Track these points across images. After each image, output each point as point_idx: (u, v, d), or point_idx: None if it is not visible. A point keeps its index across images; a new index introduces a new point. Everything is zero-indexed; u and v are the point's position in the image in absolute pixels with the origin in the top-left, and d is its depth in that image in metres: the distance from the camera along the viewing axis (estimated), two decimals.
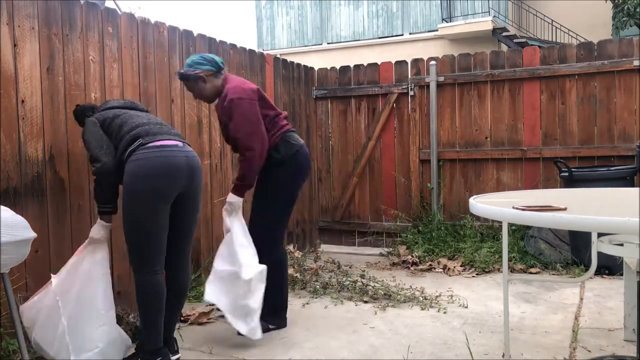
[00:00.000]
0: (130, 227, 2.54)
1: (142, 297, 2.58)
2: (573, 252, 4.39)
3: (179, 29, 3.91)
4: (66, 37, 3.04)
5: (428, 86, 5.30)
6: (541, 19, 13.68)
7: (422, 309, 3.51)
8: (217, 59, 3.07)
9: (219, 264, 2.98)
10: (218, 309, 3.15)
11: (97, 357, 2.51)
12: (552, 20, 13.38)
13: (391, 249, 5.26)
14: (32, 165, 2.83)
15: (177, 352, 2.79)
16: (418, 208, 5.38)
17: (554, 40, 13.08)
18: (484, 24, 12.08)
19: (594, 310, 3.40)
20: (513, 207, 2.13)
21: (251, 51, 4.74)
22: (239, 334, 2.98)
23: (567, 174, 4.31)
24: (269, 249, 3.13)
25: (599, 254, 2.58)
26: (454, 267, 4.50)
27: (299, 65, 5.51)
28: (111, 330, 2.59)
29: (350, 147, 5.72)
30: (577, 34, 12.87)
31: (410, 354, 2.79)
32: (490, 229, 4.99)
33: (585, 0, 12.91)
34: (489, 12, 12.41)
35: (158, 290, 2.59)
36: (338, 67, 5.75)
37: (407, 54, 10.55)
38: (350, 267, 4.71)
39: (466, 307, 3.55)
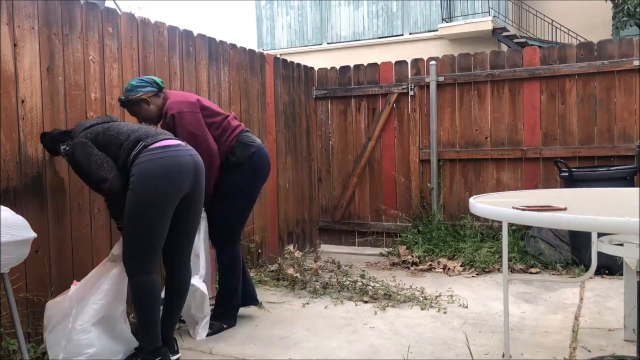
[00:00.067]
0: (134, 228, 2.53)
1: (140, 298, 2.58)
2: (573, 252, 4.39)
3: (179, 29, 3.91)
4: (66, 37, 3.04)
5: (428, 86, 5.30)
6: (541, 19, 13.68)
7: (422, 309, 3.51)
8: (157, 79, 3.07)
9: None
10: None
11: None
12: (552, 20, 13.38)
13: (391, 249, 5.26)
14: (32, 165, 2.83)
15: (177, 352, 2.79)
16: (418, 208, 5.38)
17: (554, 40, 13.08)
18: (484, 24, 12.08)
19: (594, 310, 3.40)
20: (513, 207, 2.13)
21: (251, 51, 4.74)
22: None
23: (567, 174, 4.31)
24: (229, 249, 3.23)
25: (599, 254, 2.57)
26: (454, 267, 4.50)
27: (299, 65, 5.52)
28: (101, 338, 2.61)
29: (350, 147, 5.72)
30: (577, 34, 12.87)
31: (410, 354, 2.79)
32: (490, 229, 4.99)
33: (585, 0, 12.91)
34: (489, 12, 12.41)
35: (155, 290, 2.60)
36: (338, 67, 5.75)
37: (407, 54, 10.54)
38: (350, 267, 4.72)
39: (466, 307, 3.55)
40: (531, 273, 4.34)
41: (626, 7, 10.42)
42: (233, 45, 4.50)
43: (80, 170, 2.63)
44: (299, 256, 4.74)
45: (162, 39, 3.74)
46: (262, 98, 4.86)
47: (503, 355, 2.68)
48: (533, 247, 4.56)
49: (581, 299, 3.64)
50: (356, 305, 3.66)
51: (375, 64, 5.62)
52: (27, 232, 2.17)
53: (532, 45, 10.32)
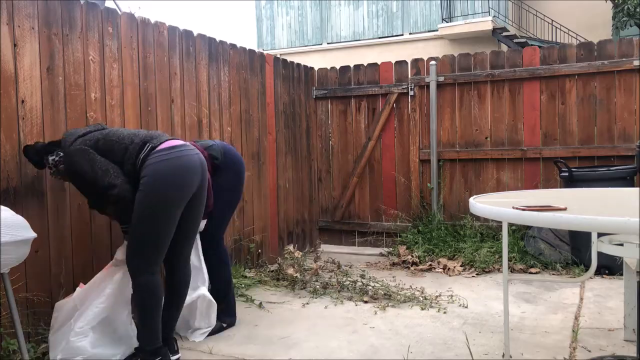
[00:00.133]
0: (144, 228, 2.52)
1: (142, 298, 2.58)
2: (573, 252, 4.39)
3: (179, 29, 3.91)
4: (66, 37, 3.04)
5: (428, 86, 5.29)
6: (541, 19, 13.68)
7: (422, 309, 3.51)
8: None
9: None
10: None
11: None
12: (552, 20, 13.37)
13: (391, 249, 5.26)
14: (32, 165, 2.82)
15: (177, 352, 2.79)
16: (418, 208, 5.38)
17: (554, 40, 13.08)
18: (484, 24, 12.08)
19: (594, 310, 3.40)
20: (513, 207, 2.13)
21: (251, 51, 4.74)
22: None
23: (567, 174, 4.31)
24: (216, 247, 3.28)
25: (599, 254, 2.57)
26: (454, 267, 4.50)
27: (298, 65, 5.52)
28: (98, 342, 2.61)
29: (350, 147, 5.72)
30: (577, 34, 12.86)
31: (410, 354, 2.79)
32: (490, 229, 4.99)
33: (585, 0, 12.90)
34: (489, 12, 12.41)
35: (158, 290, 2.60)
36: (338, 67, 5.75)
37: (407, 54, 10.55)
38: (350, 267, 4.71)
39: (466, 307, 3.55)
40: (531, 273, 4.34)
41: (626, 7, 10.42)
42: (233, 45, 4.50)
43: (80, 179, 2.56)
44: (299, 256, 4.74)
45: (162, 39, 3.74)
46: (262, 98, 4.86)
47: (503, 355, 2.68)
48: (533, 247, 4.56)
49: (581, 299, 3.64)
50: (356, 305, 3.66)
51: (375, 64, 5.62)
52: (27, 232, 2.17)
53: (532, 45, 10.33)
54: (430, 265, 4.64)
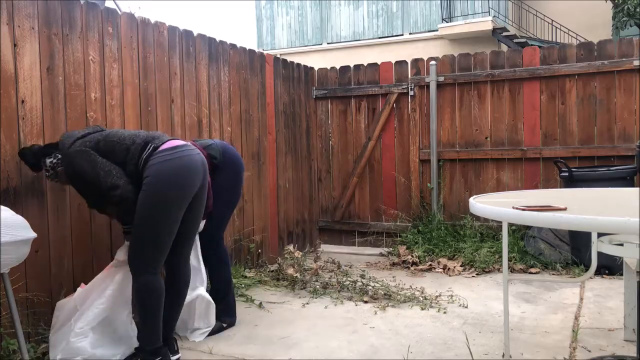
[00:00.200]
0: (146, 228, 2.52)
1: (143, 297, 2.58)
2: (573, 252, 4.38)
3: (179, 29, 3.91)
4: (66, 37, 3.04)
5: (428, 86, 5.29)
6: (541, 19, 13.68)
7: (422, 309, 3.51)
8: None
9: None
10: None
11: None
12: (552, 20, 13.37)
13: (391, 249, 5.26)
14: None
15: (177, 352, 2.79)
16: (418, 208, 5.38)
17: (554, 40, 13.08)
18: (484, 24, 12.08)
19: (594, 310, 3.40)
20: (513, 207, 2.13)
21: (251, 51, 4.74)
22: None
23: (567, 174, 4.31)
24: (215, 247, 3.28)
25: (599, 254, 2.57)
26: (454, 267, 4.50)
27: (298, 65, 5.52)
28: (98, 342, 2.61)
29: (350, 147, 5.72)
30: (577, 34, 12.86)
31: (410, 354, 2.79)
32: (490, 229, 4.98)
33: (585, 0, 12.90)
34: (489, 12, 12.41)
35: (159, 290, 2.60)
36: (338, 67, 5.75)
37: (407, 54, 10.54)
38: (350, 267, 4.71)
39: (466, 307, 3.55)
40: (531, 273, 4.34)
41: (626, 7, 10.42)
42: (233, 45, 4.50)
43: (80, 181, 2.55)
44: (299, 256, 4.74)
45: (162, 39, 3.74)
46: (262, 98, 4.86)
47: (503, 355, 2.68)
48: (533, 247, 4.56)
49: (581, 299, 3.64)
50: (356, 305, 3.66)
51: (375, 64, 5.62)
52: (27, 232, 2.17)
53: (532, 45, 10.32)
54: (430, 265, 4.64)
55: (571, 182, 4.27)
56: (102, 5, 3.33)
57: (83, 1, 3.15)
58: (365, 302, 3.71)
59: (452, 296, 3.76)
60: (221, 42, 4.36)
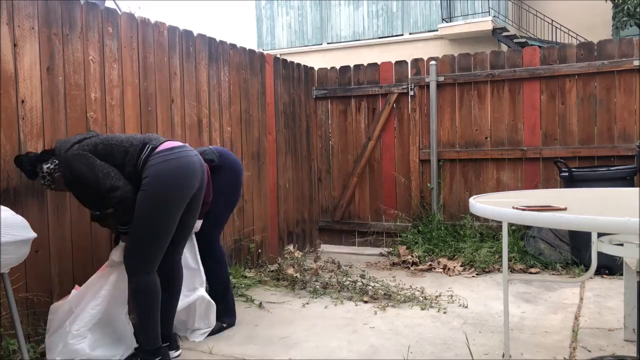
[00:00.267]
0: (144, 228, 2.52)
1: (140, 298, 2.58)
2: (573, 252, 4.38)
3: (179, 29, 3.91)
4: (66, 37, 3.04)
5: (428, 86, 5.29)
6: (541, 19, 13.68)
7: (422, 309, 3.51)
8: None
9: None
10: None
11: None
12: (552, 20, 13.37)
13: (391, 249, 5.26)
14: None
15: (178, 347, 2.81)
16: (418, 208, 5.38)
17: (554, 40, 13.08)
18: (484, 24, 12.08)
19: (594, 310, 3.40)
20: (513, 207, 2.13)
21: (251, 51, 4.74)
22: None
23: (567, 174, 4.31)
24: (212, 247, 3.28)
25: (599, 254, 2.57)
26: (454, 267, 4.50)
27: (298, 65, 5.52)
28: (96, 343, 2.61)
29: (350, 147, 5.72)
30: (577, 34, 12.86)
31: (410, 354, 2.79)
32: (490, 229, 4.98)
33: (585, 0, 12.90)
34: (489, 12, 12.40)
35: (156, 290, 2.61)
36: (338, 67, 5.75)
37: (407, 54, 10.54)
38: (350, 267, 4.71)
39: (466, 307, 3.54)
40: (531, 273, 4.34)
41: (626, 7, 10.42)
42: (233, 45, 4.50)
43: (79, 185, 2.55)
44: (299, 256, 4.74)
45: (162, 39, 3.74)
46: (262, 98, 4.86)
47: (503, 355, 2.68)
48: (533, 247, 4.56)
49: (581, 299, 3.64)
50: (356, 305, 3.66)
51: (375, 64, 5.62)
52: (27, 232, 2.17)
53: (532, 45, 10.32)
54: (430, 265, 4.64)
55: (571, 182, 4.27)
56: (102, 5, 3.33)
57: (83, 1, 3.15)
58: (365, 302, 3.71)
59: (452, 296, 3.76)
60: (221, 42, 4.36)
